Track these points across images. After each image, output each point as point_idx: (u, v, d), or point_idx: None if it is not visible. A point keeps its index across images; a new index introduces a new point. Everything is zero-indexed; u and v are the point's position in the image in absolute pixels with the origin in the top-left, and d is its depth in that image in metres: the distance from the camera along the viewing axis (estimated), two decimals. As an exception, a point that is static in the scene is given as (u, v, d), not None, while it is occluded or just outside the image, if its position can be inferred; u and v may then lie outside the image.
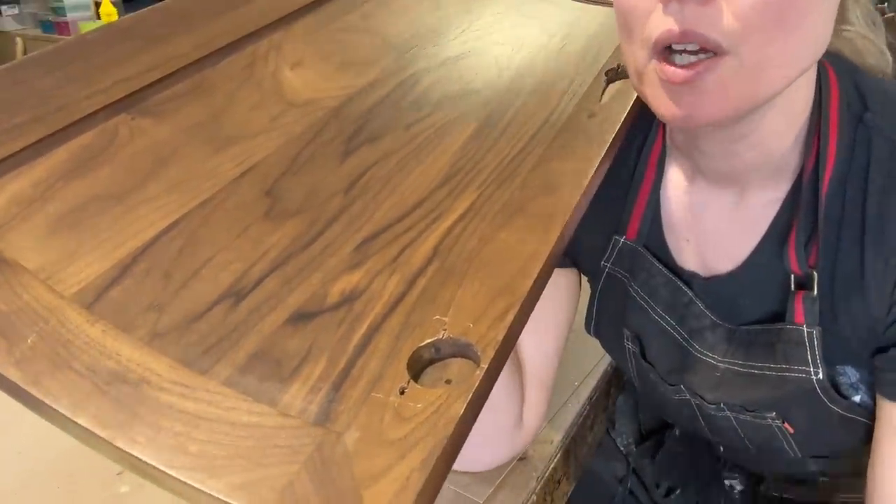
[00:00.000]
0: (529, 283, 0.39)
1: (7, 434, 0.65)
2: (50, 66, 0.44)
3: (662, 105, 0.46)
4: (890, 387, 0.51)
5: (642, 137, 0.62)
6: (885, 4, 0.67)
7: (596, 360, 0.81)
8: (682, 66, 0.43)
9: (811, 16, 0.44)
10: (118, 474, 0.60)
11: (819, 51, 0.47)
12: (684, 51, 0.43)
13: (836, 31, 0.56)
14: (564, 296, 0.68)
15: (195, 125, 0.47)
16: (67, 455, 0.62)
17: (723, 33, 0.42)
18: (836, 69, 0.54)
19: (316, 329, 0.37)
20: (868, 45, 0.57)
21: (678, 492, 0.73)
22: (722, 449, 0.68)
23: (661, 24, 0.43)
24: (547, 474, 0.66)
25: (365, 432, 0.31)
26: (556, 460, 0.68)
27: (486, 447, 0.64)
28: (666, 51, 0.44)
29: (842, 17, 0.55)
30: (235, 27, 0.54)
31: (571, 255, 0.67)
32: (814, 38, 0.46)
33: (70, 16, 3.00)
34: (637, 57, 0.47)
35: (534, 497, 0.63)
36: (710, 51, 0.43)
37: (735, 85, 0.43)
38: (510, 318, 0.37)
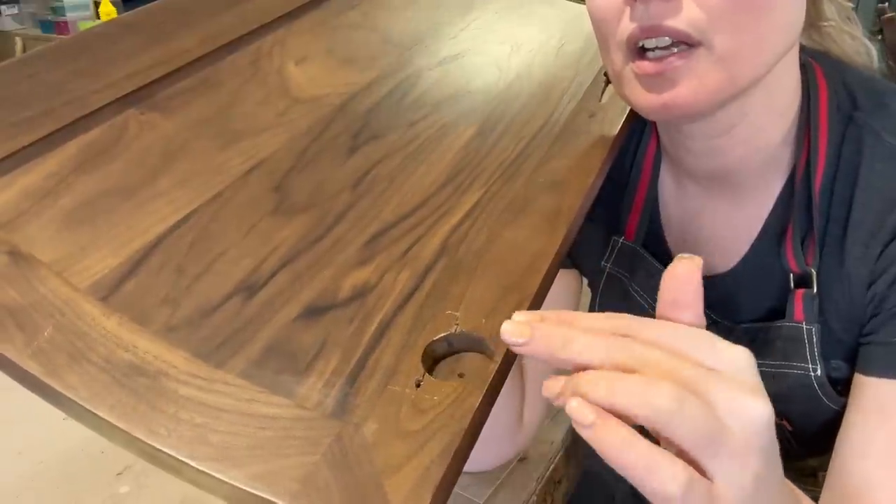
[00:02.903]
0: (539, 279, 0.39)
1: (7, 434, 0.65)
2: (58, 60, 0.44)
3: (640, 98, 0.47)
4: (873, 363, 0.51)
5: (637, 138, 0.63)
6: (886, 4, 0.68)
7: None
8: (654, 60, 0.45)
9: (780, 0, 0.45)
10: (118, 474, 0.59)
11: (793, 35, 0.48)
12: (656, 47, 0.45)
13: (817, 27, 0.57)
14: (566, 296, 0.69)
15: (203, 120, 0.47)
16: (67, 455, 0.62)
17: (690, 24, 0.43)
18: (823, 67, 0.55)
19: (328, 323, 0.37)
20: (851, 42, 0.58)
21: None
22: None
23: (630, 26, 0.45)
24: (547, 474, 0.66)
25: (383, 424, 0.32)
26: (556, 460, 0.68)
27: (486, 446, 0.64)
28: (639, 50, 0.46)
29: (818, 13, 0.56)
30: (240, 22, 0.54)
31: (572, 255, 0.68)
32: (786, 22, 0.47)
33: (69, 15, 2.98)
34: (614, 61, 0.49)
35: (534, 497, 0.64)
36: (682, 43, 0.44)
37: (709, 73, 0.45)
38: None
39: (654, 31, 0.44)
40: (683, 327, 0.32)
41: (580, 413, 0.29)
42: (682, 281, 0.33)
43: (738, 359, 0.31)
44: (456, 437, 0.31)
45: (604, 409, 0.29)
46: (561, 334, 0.31)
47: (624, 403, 0.28)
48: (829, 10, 0.56)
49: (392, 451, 0.30)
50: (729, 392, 0.29)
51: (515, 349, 0.32)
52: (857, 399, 0.51)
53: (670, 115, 0.47)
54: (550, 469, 0.67)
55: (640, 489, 0.28)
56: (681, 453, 0.29)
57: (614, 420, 0.28)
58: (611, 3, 0.47)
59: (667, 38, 0.44)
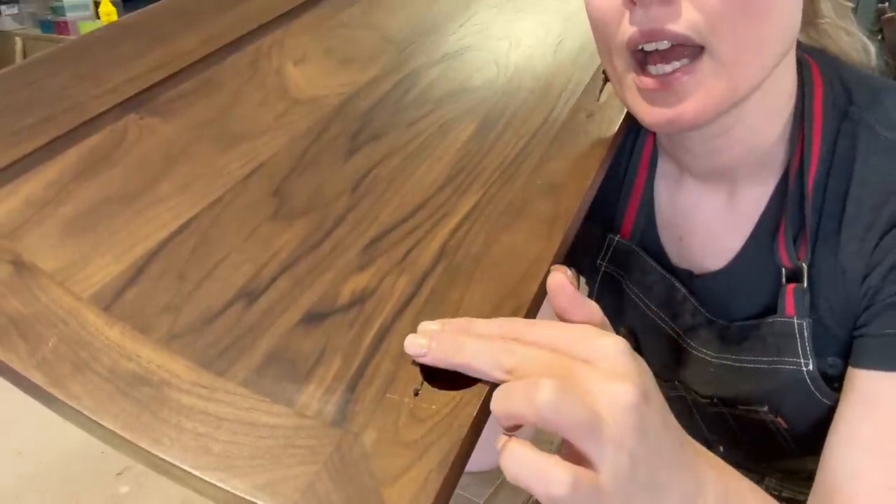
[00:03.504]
0: (536, 285, 0.40)
1: (7, 434, 0.65)
2: (58, 65, 0.45)
3: (644, 112, 0.47)
4: (864, 355, 0.51)
5: (633, 136, 0.63)
6: (886, 4, 0.68)
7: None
8: (658, 77, 0.45)
9: (779, 1, 0.45)
10: (118, 475, 0.60)
11: (791, 38, 0.48)
12: (656, 51, 0.45)
13: (814, 24, 0.57)
14: None
15: (203, 123, 0.47)
16: (67, 455, 0.62)
17: (689, 27, 0.43)
18: (819, 64, 0.55)
19: (328, 330, 0.38)
20: (847, 39, 0.58)
21: None
22: (721, 448, 0.70)
23: (630, 29, 0.45)
24: (546, 473, 0.67)
25: (382, 433, 0.32)
26: (555, 459, 0.69)
27: (486, 447, 0.65)
28: (640, 54, 0.46)
29: (815, 11, 0.56)
30: (239, 23, 0.54)
31: (568, 253, 0.68)
32: (784, 24, 0.47)
33: (69, 15, 2.97)
34: (615, 65, 0.49)
35: (534, 497, 0.64)
36: (682, 46, 0.44)
37: (714, 83, 0.44)
38: None
39: (653, 35, 0.44)
40: (564, 325, 0.34)
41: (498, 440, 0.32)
42: (556, 291, 0.36)
43: (607, 348, 0.33)
44: (454, 447, 0.31)
45: (511, 423, 0.32)
46: (455, 342, 0.34)
47: (514, 409, 0.31)
48: (825, 7, 0.56)
49: (391, 461, 0.31)
50: (596, 380, 0.31)
51: (420, 360, 0.35)
52: (848, 392, 0.51)
53: (675, 129, 0.47)
54: (549, 467, 0.68)
55: (538, 497, 0.31)
56: (574, 455, 0.31)
57: (512, 438, 0.32)
58: (609, 6, 0.46)
59: (666, 41, 0.44)
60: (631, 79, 0.47)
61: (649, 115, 0.47)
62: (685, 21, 0.43)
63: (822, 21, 0.57)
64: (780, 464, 0.67)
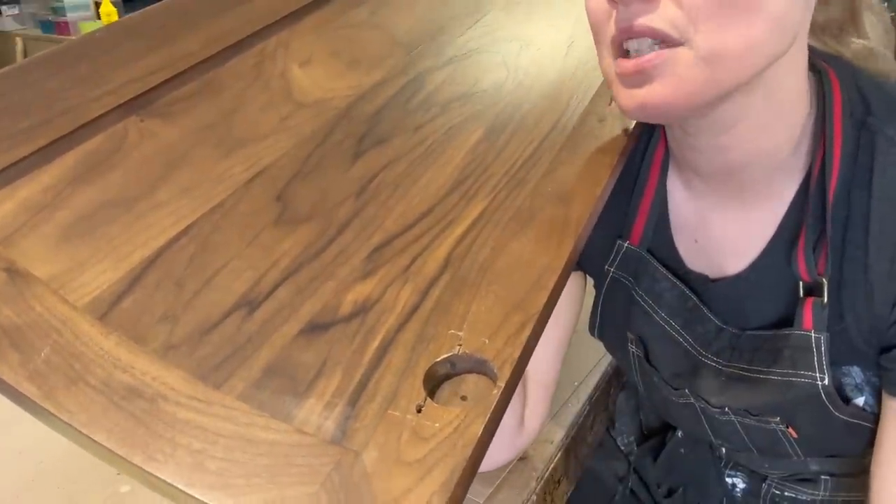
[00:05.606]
0: (545, 297, 0.39)
1: (7, 434, 0.65)
2: (57, 66, 0.44)
3: (620, 97, 0.46)
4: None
5: (646, 140, 0.62)
6: (885, 5, 0.66)
7: (596, 359, 0.81)
8: (633, 58, 0.44)
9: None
10: (118, 474, 0.60)
11: (789, 36, 0.46)
12: (638, 49, 0.44)
13: (844, 43, 0.55)
14: (569, 299, 0.68)
15: (205, 126, 0.46)
16: (67, 455, 0.62)
17: (670, 24, 0.42)
18: (837, 72, 0.54)
19: (329, 341, 0.37)
20: (871, 56, 0.56)
21: (680, 491, 0.74)
22: (724, 450, 0.69)
23: (615, 27, 0.45)
24: (547, 474, 0.66)
25: (383, 452, 0.31)
26: (556, 460, 0.68)
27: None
28: (623, 50, 0.45)
29: (856, 29, 0.55)
30: (243, 24, 0.53)
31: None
32: (778, 21, 0.44)
33: (70, 16, 2.97)
34: (605, 63, 0.48)
35: (534, 497, 0.64)
36: (663, 43, 0.43)
37: (689, 73, 0.43)
38: (526, 334, 0.37)
39: (632, 31, 0.44)
40: None
41: None
42: None
43: None
44: (458, 468, 0.30)
45: None
46: None
47: None
48: (867, 23, 0.55)
49: (392, 483, 0.30)
50: None
51: None
52: (889, 420, 0.52)
53: (648, 115, 0.46)
54: (550, 469, 0.67)
55: None
56: None
57: None
58: (599, 6, 0.46)
59: (648, 39, 0.43)
60: (613, 69, 0.46)
61: (625, 99, 0.46)
62: (664, 16, 0.43)
63: (855, 41, 0.55)
64: (782, 465, 0.66)
